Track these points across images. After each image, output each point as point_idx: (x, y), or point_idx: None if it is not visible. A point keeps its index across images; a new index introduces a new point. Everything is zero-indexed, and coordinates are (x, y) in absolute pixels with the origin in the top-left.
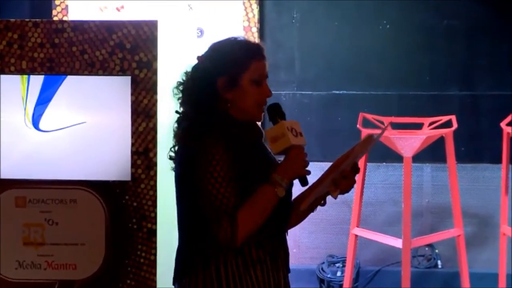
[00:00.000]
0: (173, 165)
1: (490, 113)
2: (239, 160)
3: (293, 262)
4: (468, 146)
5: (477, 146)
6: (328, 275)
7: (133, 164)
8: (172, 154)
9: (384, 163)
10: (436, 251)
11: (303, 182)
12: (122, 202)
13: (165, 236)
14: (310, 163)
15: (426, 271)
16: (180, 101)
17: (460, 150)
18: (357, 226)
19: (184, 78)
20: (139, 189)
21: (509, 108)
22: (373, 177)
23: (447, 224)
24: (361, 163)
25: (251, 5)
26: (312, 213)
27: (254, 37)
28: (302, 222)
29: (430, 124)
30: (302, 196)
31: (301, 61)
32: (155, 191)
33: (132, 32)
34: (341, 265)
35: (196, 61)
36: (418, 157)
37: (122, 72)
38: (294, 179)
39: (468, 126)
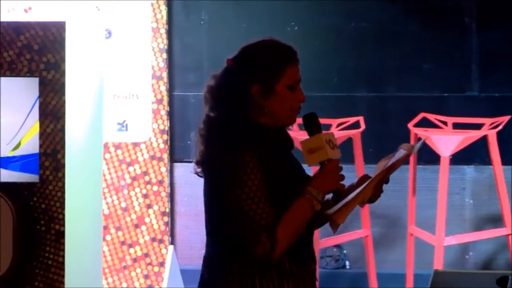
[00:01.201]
0: (198, 169)
1: (397, 114)
2: (272, 171)
3: (193, 263)
4: (376, 147)
5: (385, 147)
6: None
7: (41, 166)
8: (199, 158)
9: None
10: (344, 251)
11: (338, 195)
12: (30, 204)
13: (73, 237)
14: None
15: (334, 272)
16: (209, 105)
17: (368, 151)
18: None
19: (213, 82)
20: (47, 190)
21: (416, 109)
22: None
23: (355, 225)
24: None
25: (159, 6)
26: None
27: (162, 39)
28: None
29: (338, 125)
30: (327, 205)
31: (210, 62)
32: (63, 192)
33: (39, 33)
34: None
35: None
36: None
37: (30, 73)
38: (330, 193)
39: (376, 127)
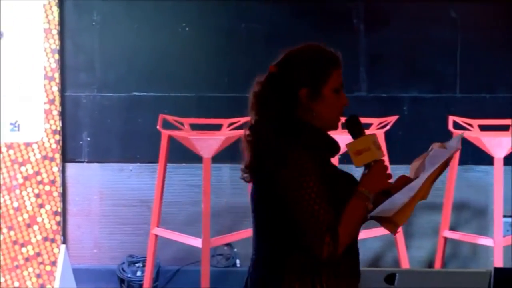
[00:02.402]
0: (245, 174)
1: None
2: (324, 173)
3: (93, 263)
4: None
5: None
6: (129, 275)
7: None
8: (248, 164)
9: (184, 164)
10: (235, 250)
11: (386, 194)
12: None
13: None
14: (110, 164)
15: (225, 270)
16: (255, 110)
17: None
18: (157, 226)
19: (259, 88)
20: None
21: None
22: (173, 177)
23: (245, 224)
24: (161, 163)
25: (51, 7)
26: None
27: (54, 39)
28: (103, 222)
29: (229, 125)
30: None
31: (101, 63)
32: None
33: None
34: (141, 265)
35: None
36: (217, 158)
37: None
38: (379, 192)
39: None
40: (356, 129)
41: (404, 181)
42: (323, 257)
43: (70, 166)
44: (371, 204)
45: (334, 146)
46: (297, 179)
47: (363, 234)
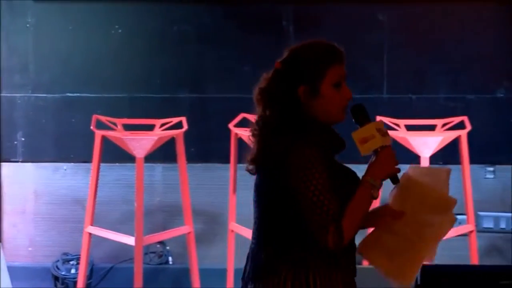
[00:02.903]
0: (250, 167)
1: (218, 115)
2: (329, 166)
3: (28, 260)
4: (198, 147)
5: (207, 147)
6: (63, 273)
7: None
8: (254, 157)
9: (117, 163)
10: (167, 248)
11: (395, 180)
12: None
13: None
14: (45, 164)
15: (158, 267)
16: (262, 105)
17: (190, 151)
18: (91, 225)
19: (264, 84)
20: None
21: (236, 110)
22: (107, 176)
23: (178, 222)
24: (94, 163)
25: None
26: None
27: None
28: (37, 221)
29: (162, 125)
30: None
31: (36, 65)
32: None
33: None
34: (75, 263)
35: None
36: (150, 157)
37: None
38: (386, 178)
39: (198, 128)
40: (360, 117)
41: (384, 210)
42: (329, 247)
43: (5, 166)
44: (377, 192)
45: (337, 143)
46: (304, 171)
47: None
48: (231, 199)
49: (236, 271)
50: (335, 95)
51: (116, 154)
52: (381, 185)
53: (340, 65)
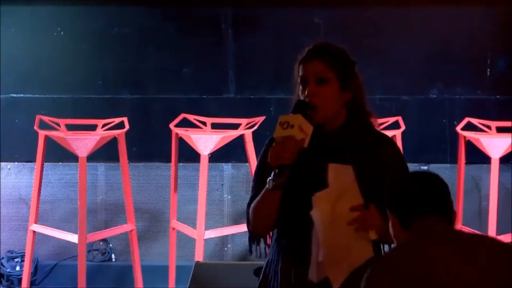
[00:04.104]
0: None
1: (159, 115)
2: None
3: None
4: (140, 146)
5: (148, 146)
6: (8, 270)
7: None
8: None
9: (60, 163)
10: (110, 245)
11: (280, 173)
12: None
13: None
14: None
15: (101, 264)
16: None
17: (132, 150)
18: (35, 223)
19: None
20: None
21: (177, 110)
22: (50, 176)
23: (120, 220)
24: (38, 162)
25: None
26: None
27: None
28: None
29: (104, 125)
30: None
31: None
32: None
33: None
34: (20, 260)
35: None
36: (93, 157)
37: None
38: (276, 169)
39: (139, 128)
40: (297, 109)
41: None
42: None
43: None
44: (272, 183)
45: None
46: (258, 162)
47: (232, 230)
48: (172, 197)
49: (178, 268)
50: (300, 92)
51: (59, 153)
52: (275, 177)
53: (305, 64)
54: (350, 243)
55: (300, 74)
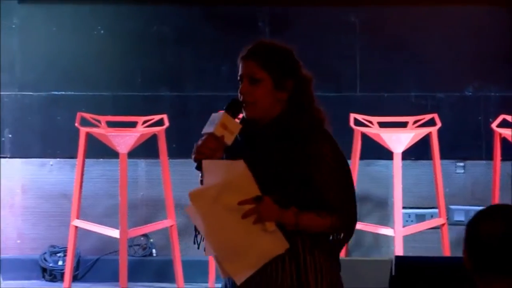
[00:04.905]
0: None
1: (197, 112)
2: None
3: (17, 253)
4: (179, 143)
5: (187, 143)
6: (50, 264)
7: None
8: None
9: (101, 159)
10: (151, 240)
11: (197, 168)
12: None
13: None
14: (32, 160)
15: (142, 259)
16: None
17: (172, 147)
18: (77, 218)
19: None
20: None
21: (215, 107)
22: (92, 172)
23: (161, 216)
24: (79, 158)
25: None
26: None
27: None
28: (25, 215)
29: (144, 122)
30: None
31: (22, 64)
32: None
33: None
34: (62, 255)
35: None
36: (133, 153)
37: None
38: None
39: (179, 125)
40: (229, 107)
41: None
42: None
43: None
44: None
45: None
46: None
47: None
48: None
49: None
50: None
51: (100, 150)
52: (196, 168)
53: (242, 62)
54: (248, 238)
55: (240, 72)
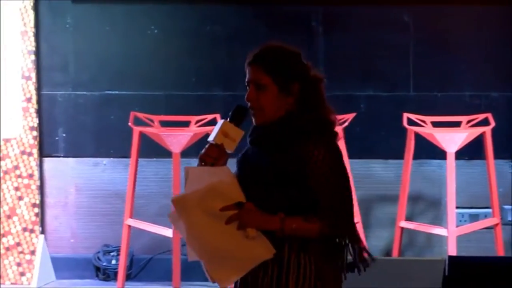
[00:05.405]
0: None
1: None
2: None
3: (70, 252)
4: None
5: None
6: (104, 263)
7: None
8: None
9: (154, 158)
10: None
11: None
12: None
13: None
14: (85, 159)
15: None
16: None
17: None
18: (130, 217)
19: None
20: None
21: None
22: (145, 171)
23: None
24: (133, 158)
25: (27, 10)
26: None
27: (30, 41)
28: (79, 214)
29: (197, 122)
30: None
31: (75, 63)
32: None
33: None
34: (115, 254)
35: None
36: (187, 153)
37: None
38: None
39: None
40: (237, 116)
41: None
42: None
43: (47, 161)
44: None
45: (250, 135)
46: None
47: None
48: None
49: None
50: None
51: (153, 149)
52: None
53: (247, 68)
54: (233, 243)
55: (247, 77)
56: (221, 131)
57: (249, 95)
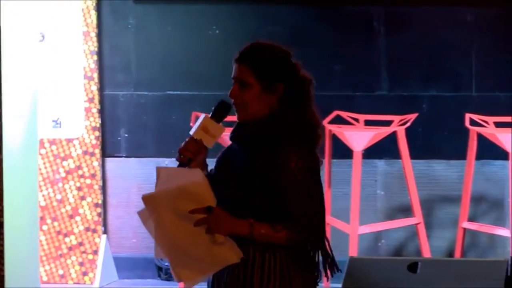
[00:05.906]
0: None
1: None
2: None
3: (133, 252)
4: None
5: None
6: (166, 263)
7: None
8: None
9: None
10: None
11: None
12: None
13: (11, 228)
14: (147, 159)
15: None
16: None
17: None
18: None
19: None
20: None
21: (330, 107)
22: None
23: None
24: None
25: (89, 11)
26: None
27: (92, 41)
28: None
29: None
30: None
31: (137, 64)
32: (2, 186)
33: None
34: None
35: None
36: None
37: None
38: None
39: None
40: (215, 110)
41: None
42: None
43: (109, 161)
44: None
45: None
46: None
47: (386, 225)
48: (326, 193)
49: None
50: None
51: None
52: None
53: (234, 65)
54: (201, 245)
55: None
56: (202, 127)
57: (232, 91)
